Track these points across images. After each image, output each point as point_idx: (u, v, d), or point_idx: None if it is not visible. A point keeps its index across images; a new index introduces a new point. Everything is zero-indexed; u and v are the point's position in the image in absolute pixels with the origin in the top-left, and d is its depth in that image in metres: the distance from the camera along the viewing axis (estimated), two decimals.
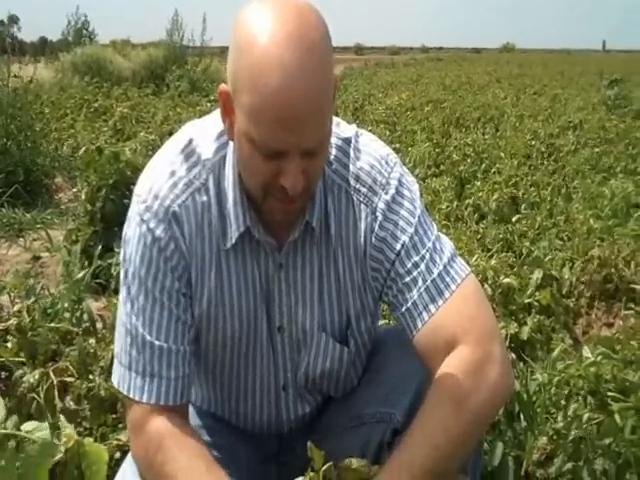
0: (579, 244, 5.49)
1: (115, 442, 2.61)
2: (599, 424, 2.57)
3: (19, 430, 1.75)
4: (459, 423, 1.76)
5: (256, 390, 2.12)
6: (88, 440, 1.85)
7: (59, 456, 1.70)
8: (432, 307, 1.88)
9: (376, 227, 1.95)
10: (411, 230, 1.92)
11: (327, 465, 1.71)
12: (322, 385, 2.15)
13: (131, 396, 1.90)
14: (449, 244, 1.97)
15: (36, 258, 6.19)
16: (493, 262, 4.62)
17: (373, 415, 2.06)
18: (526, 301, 4.38)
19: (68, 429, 1.88)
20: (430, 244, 1.92)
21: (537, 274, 4.69)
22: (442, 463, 1.75)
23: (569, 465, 2.55)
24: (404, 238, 1.92)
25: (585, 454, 2.55)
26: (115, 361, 1.96)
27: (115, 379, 1.95)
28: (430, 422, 1.77)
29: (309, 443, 1.69)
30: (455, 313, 1.88)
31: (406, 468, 1.72)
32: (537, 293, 4.47)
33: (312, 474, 1.72)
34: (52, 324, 3.50)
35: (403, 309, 1.92)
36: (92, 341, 3.38)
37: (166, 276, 1.89)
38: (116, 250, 5.02)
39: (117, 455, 2.55)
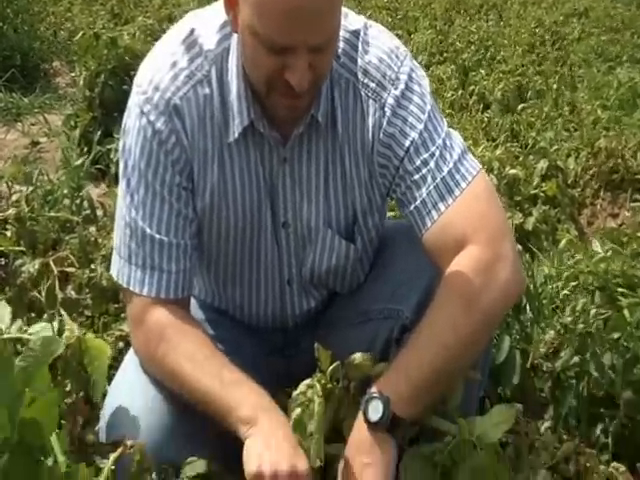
0: (585, 134, 5.42)
1: (118, 333, 2.58)
2: (607, 319, 2.54)
3: (24, 332, 1.73)
4: (469, 322, 1.72)
5: (260, 284, 2.08)
6: (90, 336, 1.81)
7: (60, 352, 1.67)
8: (441, 205, 1.82)
9: (384, 123, 1.87)
10: (420, 127, 1.85)
11: (334, 365, 1.70)
12: (328, 281, 2.11)
13: (131, 289, 1.87)
14: (459, 140, 1.90)
15: (34, 143, 6.13)
16: (498, 152, 4.57)
17: (380, 311, 2.02)
18: (532, 192, 4.35)
19: (69, 325, 1.84)
20: (440, 141, 1.85)
21: (542, 164, 4.65)
22: (451, 362, 1.73)
23: (576, 359, 2.53)
24: (413, 135, 1.85)
25: (592, 348, 2.52)
26: (114, 253, 1.93)
27: (114, 271, 1.92)
28: (439, 321, 1.74)
29: (316, 344, 1.69)
30: (465, 212, 1.82)
31: (415, 367, 1.70)
32: (543, 184, 4.43)
33: (319, 375, 1.71)
34: (52, 213, 3.46)
35: (412, 207, 1.86)
36: (93, 229, 3.34)
37: (167, 170, 1.84)
38: (115, 136, 4.97)
39: (120, 345, 2.51)
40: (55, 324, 1.83)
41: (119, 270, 1.90)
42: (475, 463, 1.69)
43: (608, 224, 4.71)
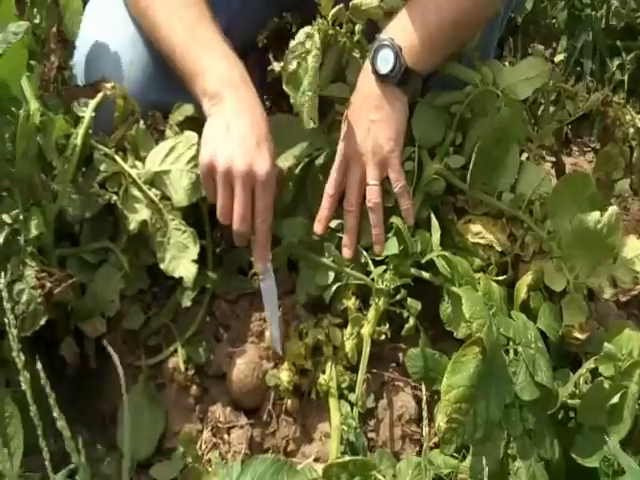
0: None
1: None
2: None
3: None
4: None
5: None
6: None
7: None
8: None
9: None
10: None
11: (337, 8, 1.51)
12: None
13: None
14: None
15: None
16: None
17: None
18: None
19: None
20: None
21: None
22: (476, 12, 1.54)
23: None
24: None
25: None
26: None
27: None
28: None
29: None
30: None
31: (432, 14, 1.51)
32: None
33: (320, 22, 1.52)
34: None
35: None
36: None
37: None
38: None
39: None
40: None
41: None
42: (498, 117, 1.56)
43: None
